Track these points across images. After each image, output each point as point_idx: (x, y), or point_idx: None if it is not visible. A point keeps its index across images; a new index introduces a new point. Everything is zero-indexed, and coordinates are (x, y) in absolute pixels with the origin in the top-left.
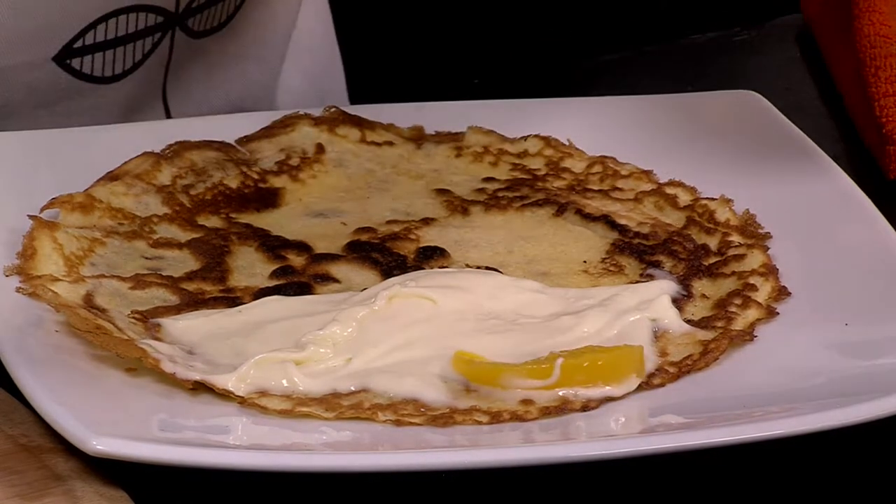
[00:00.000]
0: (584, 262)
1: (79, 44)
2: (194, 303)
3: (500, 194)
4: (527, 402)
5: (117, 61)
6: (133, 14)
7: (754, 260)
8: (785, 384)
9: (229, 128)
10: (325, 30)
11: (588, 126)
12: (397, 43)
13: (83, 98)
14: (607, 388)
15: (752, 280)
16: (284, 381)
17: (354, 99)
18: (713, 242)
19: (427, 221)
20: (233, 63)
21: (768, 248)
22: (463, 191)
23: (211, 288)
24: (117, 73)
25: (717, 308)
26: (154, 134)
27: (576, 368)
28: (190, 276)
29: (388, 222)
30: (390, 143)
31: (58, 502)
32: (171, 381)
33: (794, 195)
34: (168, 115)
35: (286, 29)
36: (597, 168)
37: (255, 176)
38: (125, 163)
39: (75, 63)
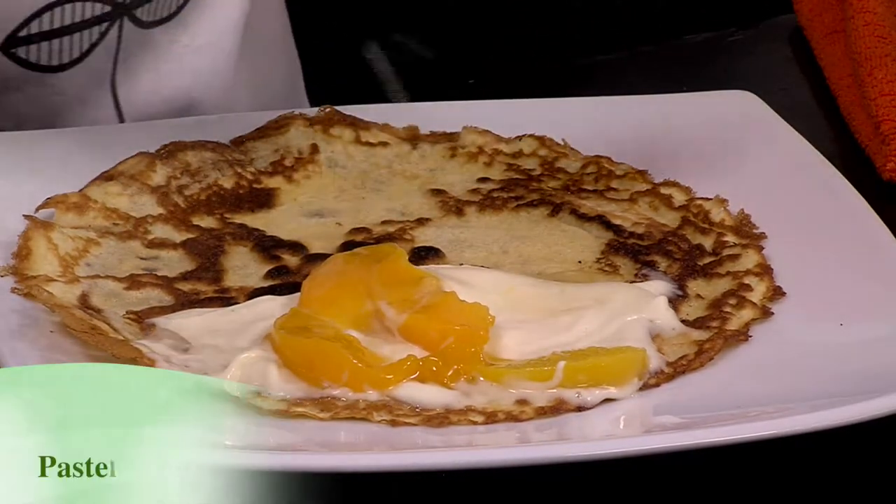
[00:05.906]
0: (579, 262)
1: (24, 32)
2: (189, 303)
3: (495, 194)
4: (522, 402)
5: (64, 51)
6: (80, 3)
7: (749, 260)
8: (779, 384)
9: (224, 128)
10: (283, 27)
11: (583, 126)
12: (394, 43)
13: (31, 88)
14: (609, 389)
15: (746, 280)
16: (264, 381)
17: (316, 100)
18: (708, 242)
19: (422, 222)
20: (184, 54)
21: (763, 249)
22: (458, 191)
23: (206, 288)
24: (64, 63)
25: (711, 308)
26: (149, 134)
27: (578, 370)
28: (185, 277)
29: (383, 222)
30: (385, 144)
31: None
32: None
33: (788, 195)
34: (117, 107)
35: (238, 18)
36: (592, 168)
37: (250, 176)
38: (120, 163)
39: (21, 52)
